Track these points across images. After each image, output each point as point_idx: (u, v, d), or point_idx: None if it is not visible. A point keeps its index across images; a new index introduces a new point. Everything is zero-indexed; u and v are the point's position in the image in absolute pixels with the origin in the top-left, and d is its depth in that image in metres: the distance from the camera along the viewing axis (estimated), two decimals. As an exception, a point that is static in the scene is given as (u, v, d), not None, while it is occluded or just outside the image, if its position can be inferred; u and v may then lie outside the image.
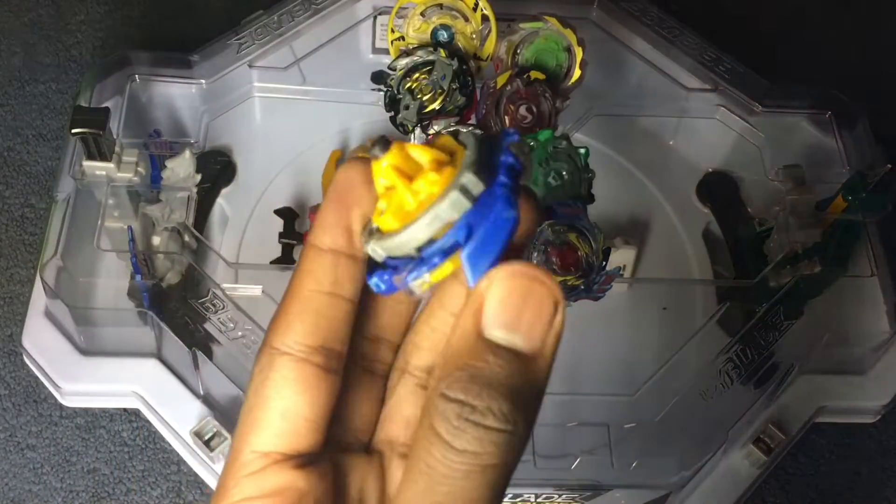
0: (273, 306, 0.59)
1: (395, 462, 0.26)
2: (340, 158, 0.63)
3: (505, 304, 0.21)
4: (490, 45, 0.58)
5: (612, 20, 0.69)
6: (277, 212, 0.61)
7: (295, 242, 0.59)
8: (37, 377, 0.58)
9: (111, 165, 0.53)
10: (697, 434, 0.54)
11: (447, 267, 0.22)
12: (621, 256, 0.63)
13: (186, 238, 0.56)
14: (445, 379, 0.21)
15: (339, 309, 0.24)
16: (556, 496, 0.55)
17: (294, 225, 0.60)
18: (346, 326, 0.25)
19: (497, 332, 0.21)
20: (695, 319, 0.60)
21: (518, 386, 0.21)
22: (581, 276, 0.49)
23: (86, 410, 0.64)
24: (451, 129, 0.54)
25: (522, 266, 0.21)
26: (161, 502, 0.61)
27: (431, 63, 0.56)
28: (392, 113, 0.57)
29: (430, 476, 0.21)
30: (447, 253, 0.22)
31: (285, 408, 0.23)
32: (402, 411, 0.26)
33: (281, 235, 0.59)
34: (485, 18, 0.57)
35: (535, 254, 0.48)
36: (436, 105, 0.56)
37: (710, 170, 0.69)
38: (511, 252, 0.22)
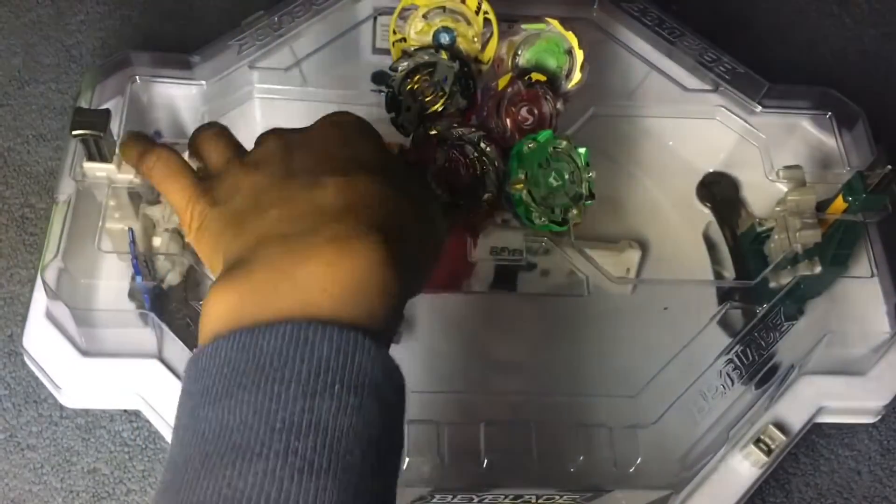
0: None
1: None
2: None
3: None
4: (491, 49, 0.58)
5: (612, 20, 0.69)
6: None
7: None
8: (37, 377, 0.58)
9: (112, 167, 0.53)
10: (698, 435, 0.54)
11: None
12: (626, 259, 0.63)
13: (187, 239, 0.56)
14: None
15: None
16: (558, 497, 0.55)
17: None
18: None
19: None
20: (695, 320, 0.60)
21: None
22: None
23: (86, 411, 0.64)
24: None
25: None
26: (162, 503, 0.61)
27: (433, 65, 0.56)
28: (393, 114, 0.57)
29: None
30: None
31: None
32: None
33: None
34: (487, 22, 0.57)
35: None
36: (437, 107, 0.56)
37: (711, 170, 0.69)
38: None
